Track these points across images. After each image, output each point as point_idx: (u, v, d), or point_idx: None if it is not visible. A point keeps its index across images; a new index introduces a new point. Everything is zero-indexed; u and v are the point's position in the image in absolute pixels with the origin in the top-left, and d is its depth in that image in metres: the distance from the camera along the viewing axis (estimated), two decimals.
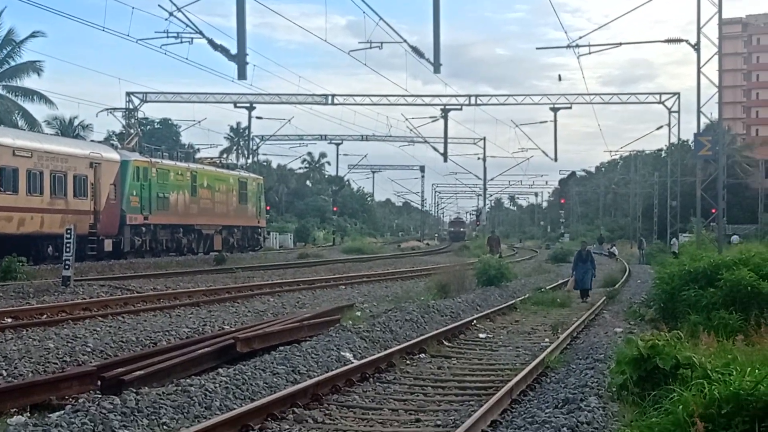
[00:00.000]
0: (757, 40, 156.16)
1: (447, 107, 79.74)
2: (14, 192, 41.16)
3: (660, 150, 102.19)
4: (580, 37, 53.04)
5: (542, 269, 52.47)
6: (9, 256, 34.52)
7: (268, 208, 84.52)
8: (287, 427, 11.33)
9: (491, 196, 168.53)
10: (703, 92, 43.05)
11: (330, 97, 76.79)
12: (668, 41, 52.57)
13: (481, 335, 21.63)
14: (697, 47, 40.37)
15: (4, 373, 14.59)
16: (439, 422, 11.76)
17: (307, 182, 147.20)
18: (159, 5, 40.62)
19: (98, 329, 19.97)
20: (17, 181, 41.33)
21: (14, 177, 41.18)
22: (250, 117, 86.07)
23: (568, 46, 51.86)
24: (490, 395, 12.90)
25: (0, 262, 34.13)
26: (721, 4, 38.54)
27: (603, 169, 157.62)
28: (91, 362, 15.58)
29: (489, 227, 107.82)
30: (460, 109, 79.86)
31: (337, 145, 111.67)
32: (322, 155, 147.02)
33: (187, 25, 42.11)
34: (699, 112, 45.26)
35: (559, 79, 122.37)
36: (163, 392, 12.29)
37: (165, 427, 10.77)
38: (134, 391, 12.33)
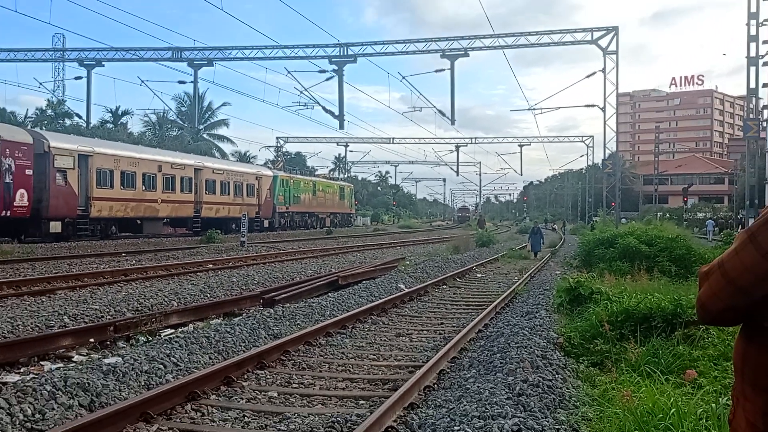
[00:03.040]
0: (638, 105, 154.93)
1: (458, 144, 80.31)
2: (214, 193, 41.83)
3: (582, 169, 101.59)
4: (536, 104, 53.03)
5: (513, 237, 52.02)
6: (211, 230, 35.05)
7: (356, 203, 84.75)
8: (367, 326, 11.36)
9: (484, 195, 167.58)
10: (607, 135, 42.77)
11: (391, 139, 76.92)
12: (586, 106, 52.38)
13: (478, 275, 21.54)
14: (603, 109, 39.99)
15: (208, 295, 14.80)
16: (454, 324, 11.74)
17: (378, 188, 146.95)
18: (295, 87, 41.20)
19: (261, 271, 20.15)
20: (215, 188, 42.01)
21: (213, 185, 41.86)
22: (346, 151, 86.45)
23: (528, 109, 51.89)
24: (484, 309, 12.88)
25: (206, 233, 34.72)
26: (618, 84, 38.27)
27: (549, 179, 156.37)
28: (256, 289, 15.75)
29: (481, 213, 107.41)
30: (466, 145, 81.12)
31: (395, 166, 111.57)
32: (387, 172, 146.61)
33: (310, 98, 42.53)
34: (605, 146, 44.92)
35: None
36: (297, 306, 12.40)
37: (299, 325, 10.86)
38: (281, 306, 12.47)
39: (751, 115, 37.94)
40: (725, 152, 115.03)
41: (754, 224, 1.90)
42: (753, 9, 32.55)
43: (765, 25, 33.67)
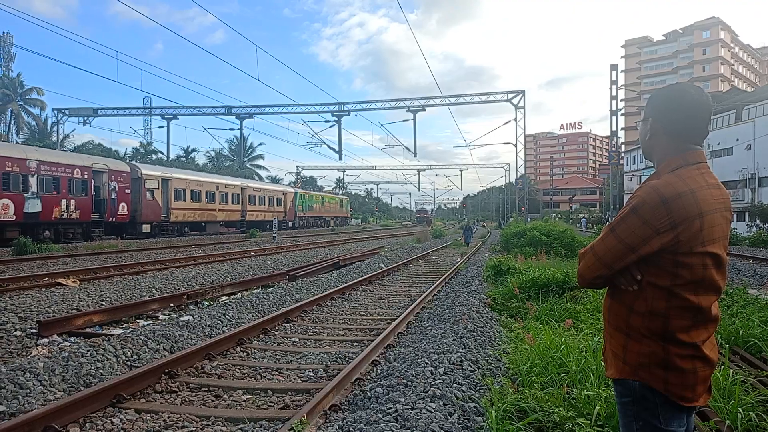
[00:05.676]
0: (539, 143, 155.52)
1: (419, 169, 79.73)
2: (254, 204, 41.29)
3: (502, 185, 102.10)
4: (470, 142, 53.09)
5: (457, 232, 52.10)
6: (252, 229, 34.69)
7: (351, 209, 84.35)
8: (359, 292, 11.28)
9: (437, 204, 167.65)
10: (518, 163, 42.84)
11: (374, 167, 76.33)
12: (504, 143, 52.87)
13: (433, 257, 21.46)
14: (515, 145, 40.10)
15: (251, 273, 14.61)
16: (418, 290, 11.70)
17: (366, 199, 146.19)
18: (308, 132, 40.68)
19: (287, 256, 19.95)
20: (255, 200, 41.50)
21: (254, 199, 41.27)
22: (343, 175, 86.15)
23: (465, 146, 52.44)
24: (437, 280, 12.85)
25: (249, 231, 34.39)
26: (525, 129, 38.26)
27: (480, 193, 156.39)
28: (284, 269, 15.61)
29: (428, 216, 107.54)
30: (424, 170, 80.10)
31: (377, 184, 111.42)
32: (371, 188, 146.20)
33: (320, 139, 42.11)
34: (517, 170, 45.04)
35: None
36: (312, 280, 12.30)
37: (313, 293, 10.78)
38: (301, 279, 12.36)
39: (613, 149, 38.39)
40: (597, 173, 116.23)
41: (614, 221, 1.94)
42: (614, 78, 32.99)
43: (622, 88, 33.98)
